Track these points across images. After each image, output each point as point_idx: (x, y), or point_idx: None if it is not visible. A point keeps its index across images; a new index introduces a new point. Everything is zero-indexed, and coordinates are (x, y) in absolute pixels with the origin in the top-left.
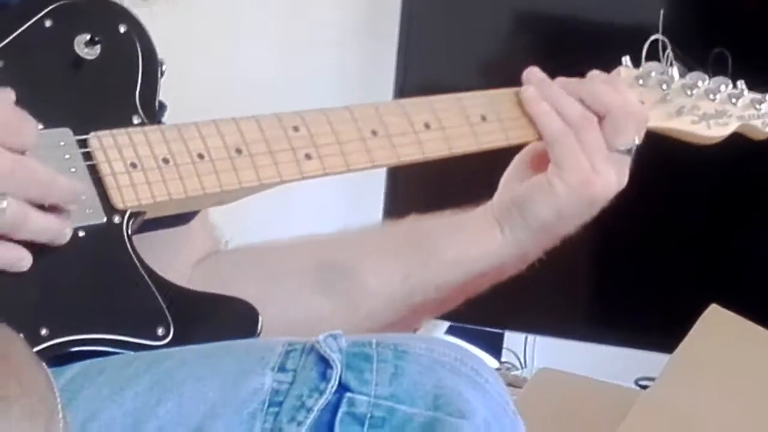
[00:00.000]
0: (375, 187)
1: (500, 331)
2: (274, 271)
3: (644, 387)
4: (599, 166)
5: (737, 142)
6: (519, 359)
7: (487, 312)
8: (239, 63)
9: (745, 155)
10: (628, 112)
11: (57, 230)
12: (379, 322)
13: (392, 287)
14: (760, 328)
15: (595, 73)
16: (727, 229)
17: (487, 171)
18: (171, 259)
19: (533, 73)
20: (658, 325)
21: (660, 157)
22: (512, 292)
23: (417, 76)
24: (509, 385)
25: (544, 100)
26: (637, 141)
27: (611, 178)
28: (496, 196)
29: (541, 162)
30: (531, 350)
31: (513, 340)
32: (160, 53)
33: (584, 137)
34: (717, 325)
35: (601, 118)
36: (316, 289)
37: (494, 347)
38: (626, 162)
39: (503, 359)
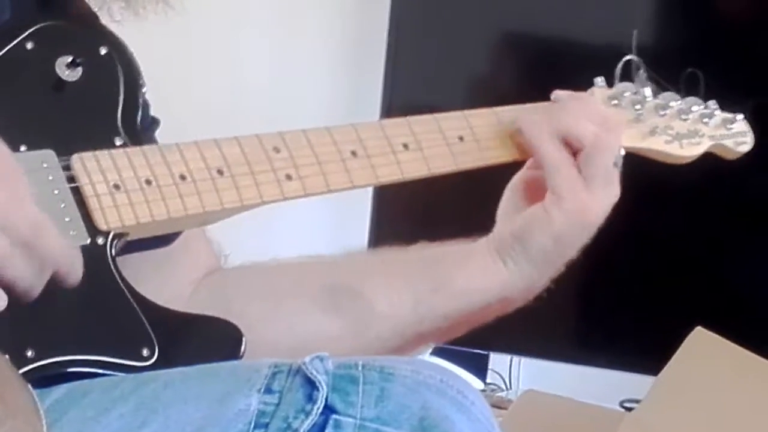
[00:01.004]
0: (361, 205)
1: (485, 352)
2: (282, 289)
3: (629, 409)
4: (596, 191)
5: (721, 165)
6: (504, 381)
7: (472, 333)
8: (231, 83)
9: (729, 179)
10: (610, 129)
11: (32, 284)
12: (387, 347)
13: (402, 312)
14: (744, 351)
15: (561, 95)
16: (713, 253)
17: (473, 192)
18: (168, 277)
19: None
20: (643, 347)
21: (645, 181)
22: None
23: (404, 95)
24: (494, 406)
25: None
26: (622, 152)
27: (606, 199)
28: (496, 229)
29: (534, 190)
30: (516, 372)
31: (498, 361)
32: (157, 68)
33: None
34: (702, 347)
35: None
36: (326, 309)
37: (479, 369)
38: (616, 176)
39: (488, 381)
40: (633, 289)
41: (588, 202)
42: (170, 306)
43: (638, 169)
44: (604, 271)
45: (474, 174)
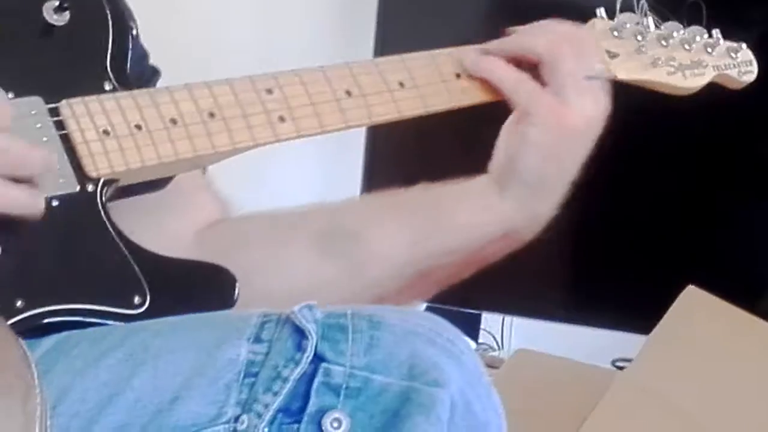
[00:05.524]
0: (353, 158)
1: (477, 312)
2: (281, 237)
3: (621, 368)
4: (569, 98)
5: (714, 122)
6: (496, 340)
7: (464, 293)
8: (217, 40)
9: (721, 137)
10: (567, 39)
11: (31, 203)
12: (388, 288)
13: (399, 252)
14: (736, 309)
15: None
16: (704, 210)
17: (467, 143)
18: (164, 223)
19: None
20: (635, 306)
21: (635, 138)
22: (489, 273)
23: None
24: (486, 366)
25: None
26: (599, 67)
27: (586, 106)
28: (491, 162)
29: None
30: (508, 331)
31: (490, 321)
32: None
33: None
34: (693, 306)
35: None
36: (322, 254)
37: (471, 328)
38: (599, 88)
39: (480, 340)
40: (624, 248)
41: (559, 109)
42: (168, 253)
43: (629, 127)
44: (595, 230)
45: (468, 130)
